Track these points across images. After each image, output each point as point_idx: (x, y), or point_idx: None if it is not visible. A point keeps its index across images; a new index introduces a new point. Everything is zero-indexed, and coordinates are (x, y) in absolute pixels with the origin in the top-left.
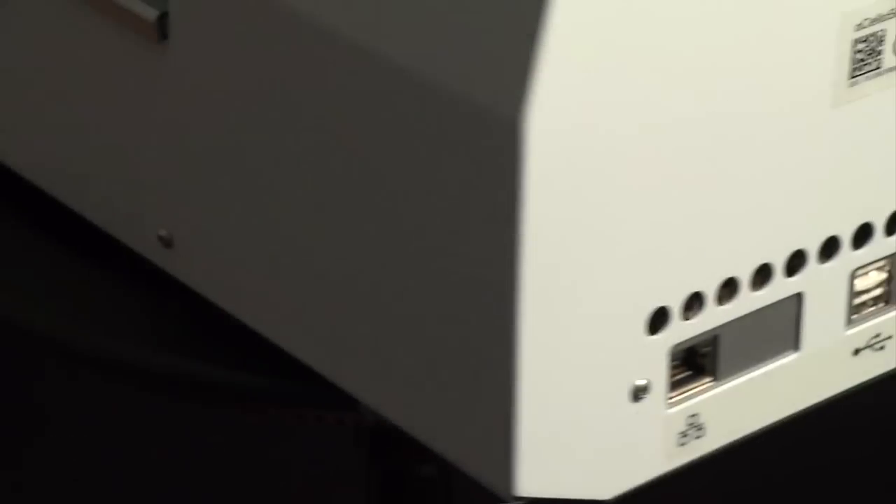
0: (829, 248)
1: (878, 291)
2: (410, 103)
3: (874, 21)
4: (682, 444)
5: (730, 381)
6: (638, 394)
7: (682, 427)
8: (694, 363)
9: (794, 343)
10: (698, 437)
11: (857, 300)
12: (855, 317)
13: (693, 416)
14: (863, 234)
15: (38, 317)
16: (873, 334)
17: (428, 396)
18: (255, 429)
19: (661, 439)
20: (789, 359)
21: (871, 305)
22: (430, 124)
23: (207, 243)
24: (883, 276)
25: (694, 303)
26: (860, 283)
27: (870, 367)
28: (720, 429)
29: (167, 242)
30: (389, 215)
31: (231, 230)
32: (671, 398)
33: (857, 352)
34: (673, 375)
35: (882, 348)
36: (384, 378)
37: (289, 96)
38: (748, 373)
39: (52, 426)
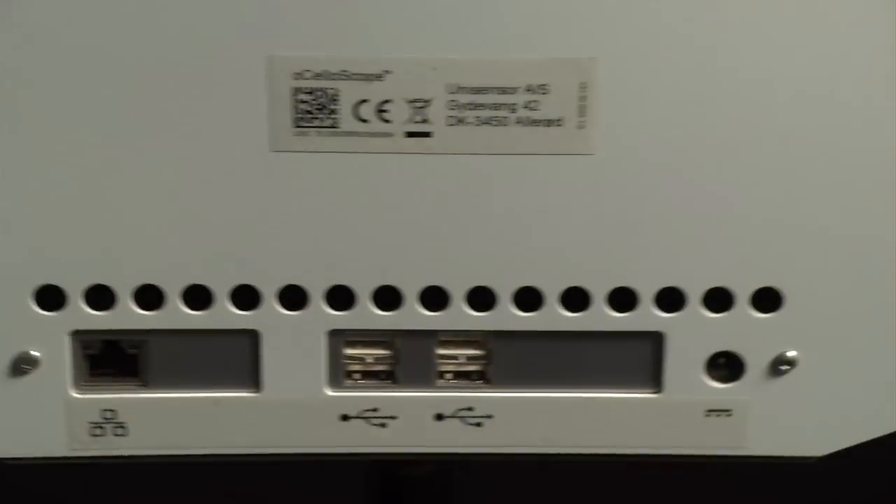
0: (298, 298)
1: (382, 367)
2: None
3: (319, 76)
4: (97, 436)
5: (161, 392)
6: (21, 365)
7: (94, 418)
8: (125, 360)
9: (253, 382)
10: (119, 435)
11: (356, 367)
12: (349, 382)
13: (110, 411)
14: (344, 298)
15: None
16: (369, 407)
17: None
18: None
19: (64, 422)
20: (246, 395)
21: (377, 378)
22: None
23: None
24: (385, 352)
25: (113, 297)
26: (358, 351)
27: (361, 439)
28: (148, 436)
29: None
30: None
31: None
32: (84, 384)
33: (345, 418)
34: (96, 365)
35: (383, 426)
36: None
37: None
38: (186, 391)
39: None
